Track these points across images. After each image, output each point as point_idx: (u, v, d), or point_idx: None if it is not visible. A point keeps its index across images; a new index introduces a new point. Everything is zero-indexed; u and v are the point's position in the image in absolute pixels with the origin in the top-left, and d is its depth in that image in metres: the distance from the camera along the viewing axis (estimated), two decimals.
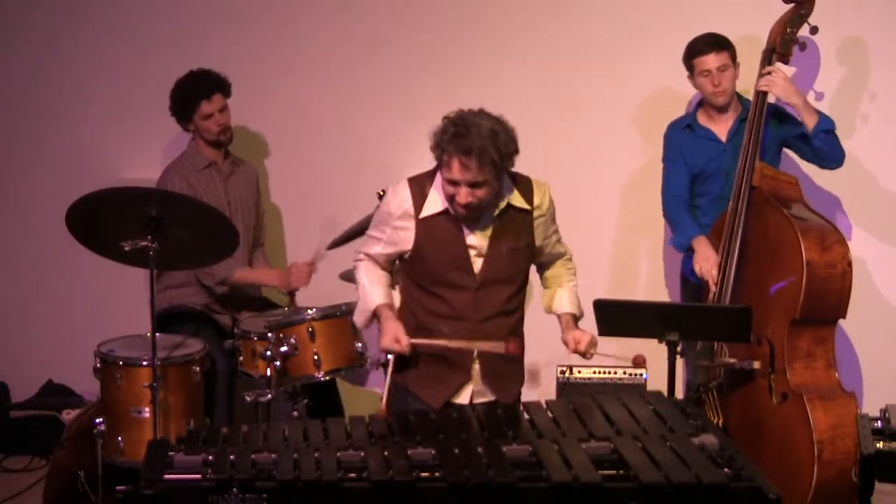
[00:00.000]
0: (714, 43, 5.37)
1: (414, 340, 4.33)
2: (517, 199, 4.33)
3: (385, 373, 5.11)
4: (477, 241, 4.32)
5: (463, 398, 4.37)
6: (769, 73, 5.28)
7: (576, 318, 4.50)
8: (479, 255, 4.33)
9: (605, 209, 6.06)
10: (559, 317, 4.51)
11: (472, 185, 4.17)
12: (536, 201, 4.36)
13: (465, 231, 4.31)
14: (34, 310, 6.38)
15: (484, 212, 4.28)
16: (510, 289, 4.38)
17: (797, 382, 4.98)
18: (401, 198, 4.35)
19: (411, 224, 4.33)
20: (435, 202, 4.31)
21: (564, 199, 4.64)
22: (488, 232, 4.32)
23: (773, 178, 5.22)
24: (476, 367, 4.39)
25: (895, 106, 5.82)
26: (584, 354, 4.41)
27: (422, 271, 4.36)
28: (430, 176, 4.35)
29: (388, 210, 4.39)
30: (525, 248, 4.39)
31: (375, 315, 4.42)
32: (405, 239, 4.35)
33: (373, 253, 4.45)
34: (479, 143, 4.12)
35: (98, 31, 6.25)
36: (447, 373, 4.38)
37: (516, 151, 4.24)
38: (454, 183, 4.19)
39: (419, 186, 4.34)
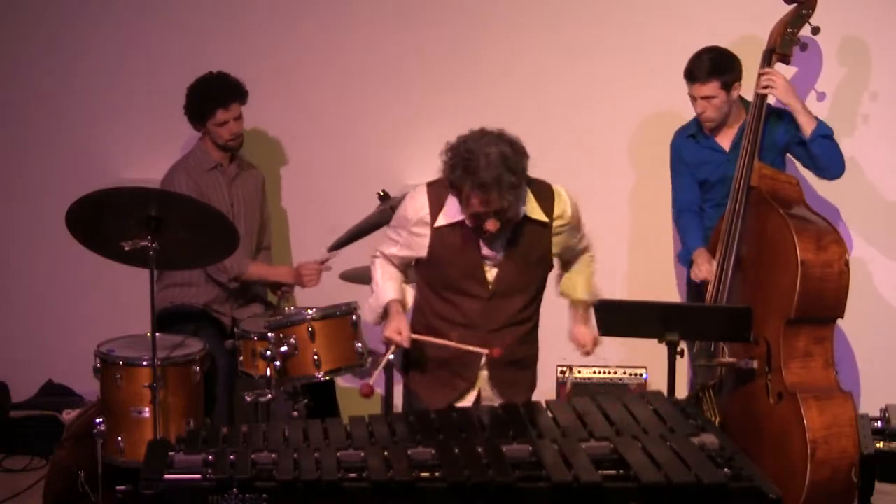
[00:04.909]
0: (706, 70, 5.29)
1: (414, 336, 4.32)
2: (535, 211, 4.27)
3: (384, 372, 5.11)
4: (491, 251, 4.28)
5: (467, 403, 4.36)
6: (769, 74, 5.27)
7: (587, 307, 4.48)
8: (493, 265, 4.30)
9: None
10: (571, 304, 4.50)
11: (497, 212, 4.12)
12: (557, 212, 4.31)
13: (481, 241, 4.27)
14: (34, 310, 6.38)
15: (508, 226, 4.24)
16: (523, 299, 4.36)
17: (793, 382, 4.98)
18: (418, 204, 4.32)
19: (426, 231, 4.31)
20: (451, 212, 4.26)
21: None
22: (503, 243, 4.28)
23: (772, 177, 5.21)
24: (484, 373, 4.39)
25: None
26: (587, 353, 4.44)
27: (435, 276, 4.35)
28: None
29: (404, 215, 4.36)
30: (540, 259, 4.35)
31: (385, 311, 4.40)
32: (420, 245, 4.33)
33: (388, 253, 4.45)
34: (493, 173, 4.03)
35: (100, 31, 6.25)
36: (453, 378, 4.38)
37: (527, 159, 4.15)
38: (478, 215, 4.13)
39: (437, 194, 4.29)
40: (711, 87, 5.31)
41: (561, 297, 4.58)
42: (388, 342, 4.35)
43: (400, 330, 4.30)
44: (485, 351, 4.30)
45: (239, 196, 5.70)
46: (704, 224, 5.46)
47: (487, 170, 4.04)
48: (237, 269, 5.55)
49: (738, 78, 5.34)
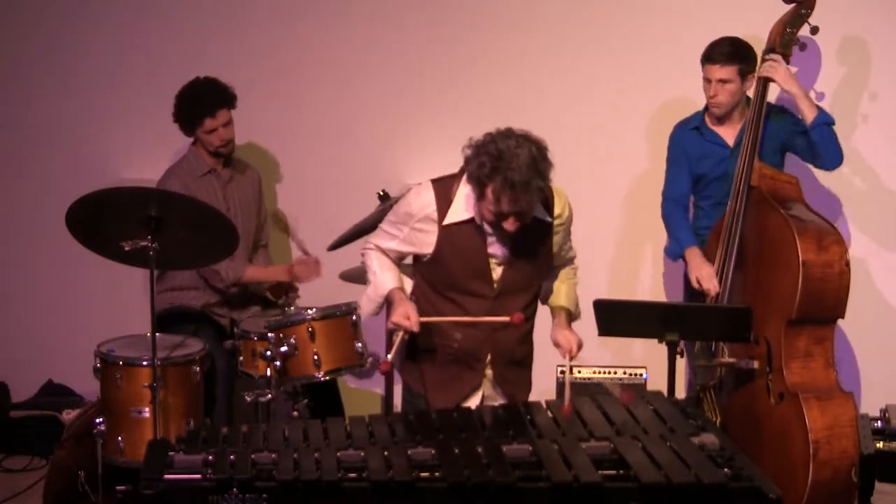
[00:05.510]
0: (726, 54, 5.28)
1: (423, 319, 4.27)
2: (538, 210, 4.27)
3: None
4: (498, 249, 4.28)
5: (473, 403, 4.35)
6: (772, 59, 5.25)
7: (570, 314, 4.47)
8: (498, 263, 4.30)
9: (608, 214, 6.05)
10: (553, 310, 4.49)
11: (520, 213, 4.12)
12: (557, 211, 4.32)
13: (488, 240, 4.27)
14: (34, 310, 6.38)
15: None
16: (526, 298, 4.36)
17: (794, 382, 4.98)
18: (424, 201, 4.29)
19: (433, 228, 4.28)
20: (460, 210, 4.25)
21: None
22: (509, 242, 4.27)
23: (773, 177, 5.21)
24: (489, 371, 4.39)
25: (895, 105, 5.82)
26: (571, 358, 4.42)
27: (439, 276, 4.33)
28: (454, 180, 4.28)
29: (408, 211, 4.32)
30: (543, 257, 4.36)
31: (388, 299, 4.36)
32: (425, 242, 4.31)
33: (385, 247, 4.41)
34: (525, 175, 4.03)
35: (99, 32, 6.25)
36: (458, 377, 4.37)
37: (551, 166, 4.16)
38: (502, 214, 4.12)
39: (444, 191, 4.27)
40: (729, 71, 5.30)
41: (544, 306, 4.56)
42: (395, 328, 4.30)
43: (408, 314, 4.25)
44: (505, 319, 4.27)
45: (235, 199, 5.69)
46: (703, 223, 5.45)
47: (519, 170, 4.03)
48: (233, 276, 5.54)
49: (753, 71, 5.33)
